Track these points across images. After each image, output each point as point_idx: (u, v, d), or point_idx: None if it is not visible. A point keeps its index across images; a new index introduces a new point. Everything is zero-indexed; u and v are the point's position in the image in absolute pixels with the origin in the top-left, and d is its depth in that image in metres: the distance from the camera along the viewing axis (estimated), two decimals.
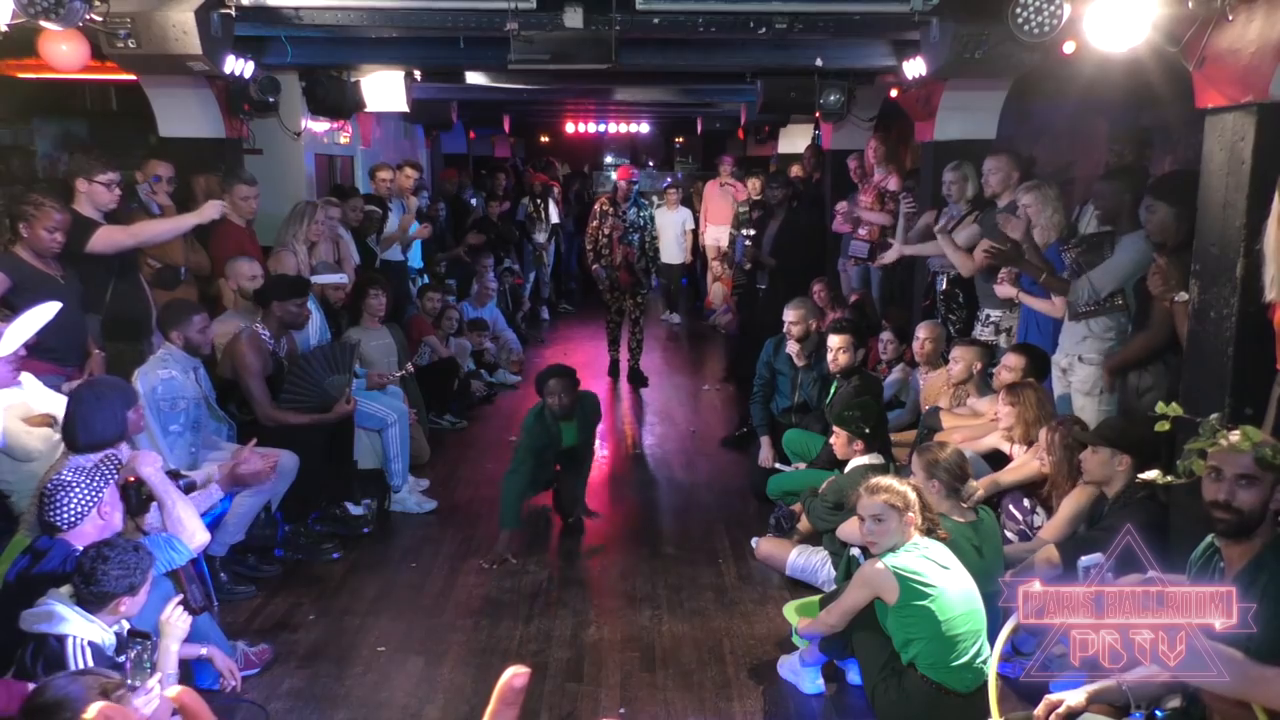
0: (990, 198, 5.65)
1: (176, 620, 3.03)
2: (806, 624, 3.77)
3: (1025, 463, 4.38)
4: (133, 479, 3.44)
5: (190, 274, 5.54)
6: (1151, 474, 2.88)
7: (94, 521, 3.16)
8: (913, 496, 3.46)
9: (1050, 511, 4.17)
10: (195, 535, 3.47)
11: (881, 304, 7.58)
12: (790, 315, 5.85)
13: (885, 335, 6.49)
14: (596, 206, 8.55)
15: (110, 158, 4.97)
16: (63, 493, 3.12)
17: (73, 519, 3.12)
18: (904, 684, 3.37)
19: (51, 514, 3.12)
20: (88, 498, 3.15)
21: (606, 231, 8.29)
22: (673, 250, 11.08)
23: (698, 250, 11.82)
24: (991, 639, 3.49)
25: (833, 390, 5.43)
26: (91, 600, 2.86)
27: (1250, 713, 2.37)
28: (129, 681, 2.72)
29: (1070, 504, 4.04)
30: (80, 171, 4.78)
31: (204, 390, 4.72)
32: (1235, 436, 2.62)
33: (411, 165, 8.36)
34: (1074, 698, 2.65)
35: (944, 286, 6.11)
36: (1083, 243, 4.80)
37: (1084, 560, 2.60)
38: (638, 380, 8.60)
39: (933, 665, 3.33)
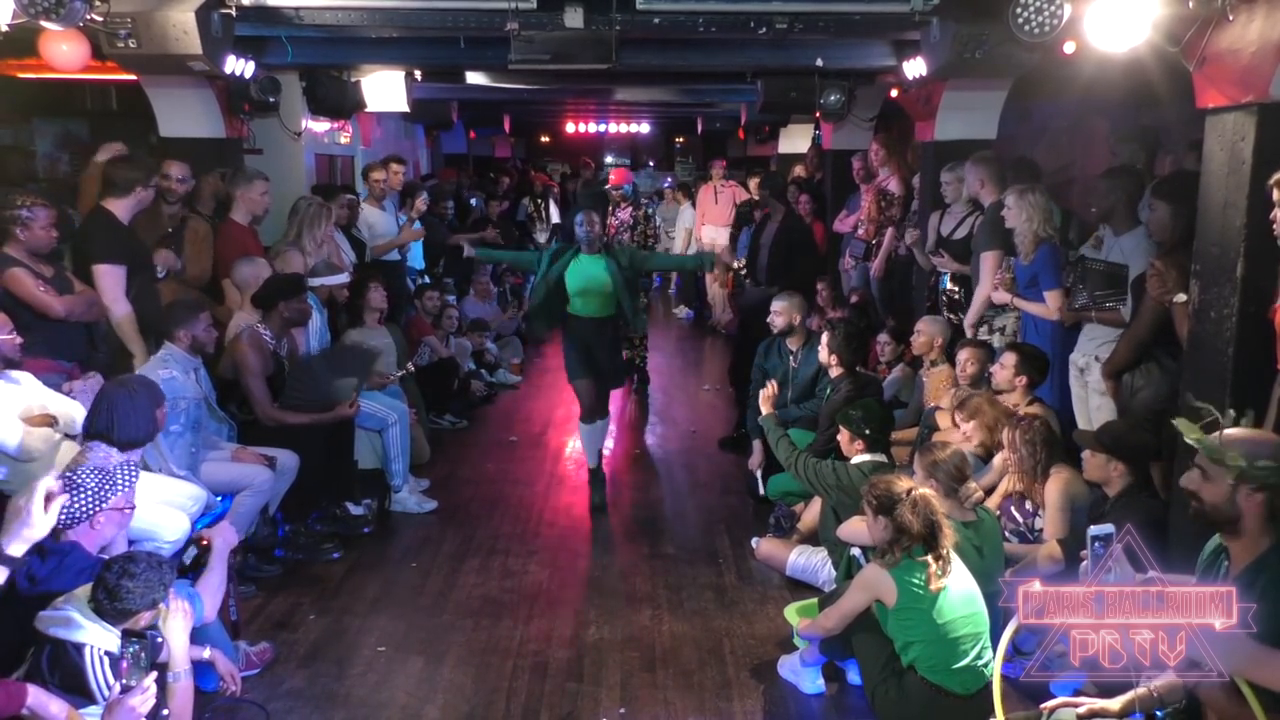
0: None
1: (180, 618, 3.01)
2: (806, 625, 3.77)
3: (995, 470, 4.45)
4: (205, 542, 3.59)
5: (170, 274, 5.47)
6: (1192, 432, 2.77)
7: (84, 530, 3.15)
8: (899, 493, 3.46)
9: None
10: (209, 611, 3.48)
11: (882, 305, 7.59)
12: (775, 306, 5.90)
13: (883, 336, 6.49)
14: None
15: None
16: (69, 492, 3.11)
17: (66, 521, 3.11)
18: (904, 685, 3.37)
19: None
20: (86, 506, 3.13)
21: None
22: (677, 246, 11.30)
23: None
24: (993, 639, 3.49)
25: (828, 391, 5.43)
26: (114, 615, 2.84)
27: (1248, 711, 2.37)
28: (124, 681, 2.72)
29: (1054, 495, 4.06)
30: (140, 180, 4.89)
31: (204, 390, 4.72)
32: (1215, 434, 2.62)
33: (396, 161, 8.22)
34: (1111, 704, 2.66)
35: (946, 286, 6.12)
36: (1090, 278, 4.75)
37: (1094, 529, 2.60)
38: (641, 380, 8.51)
39: (933, 668, 3.33)
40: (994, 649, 3.50)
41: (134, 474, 3.31)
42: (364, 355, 5.44)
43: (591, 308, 5.64)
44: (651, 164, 17.91)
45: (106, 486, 3.17)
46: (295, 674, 3.90)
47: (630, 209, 8.39)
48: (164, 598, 2.94)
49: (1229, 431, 2.61)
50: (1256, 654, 2.35)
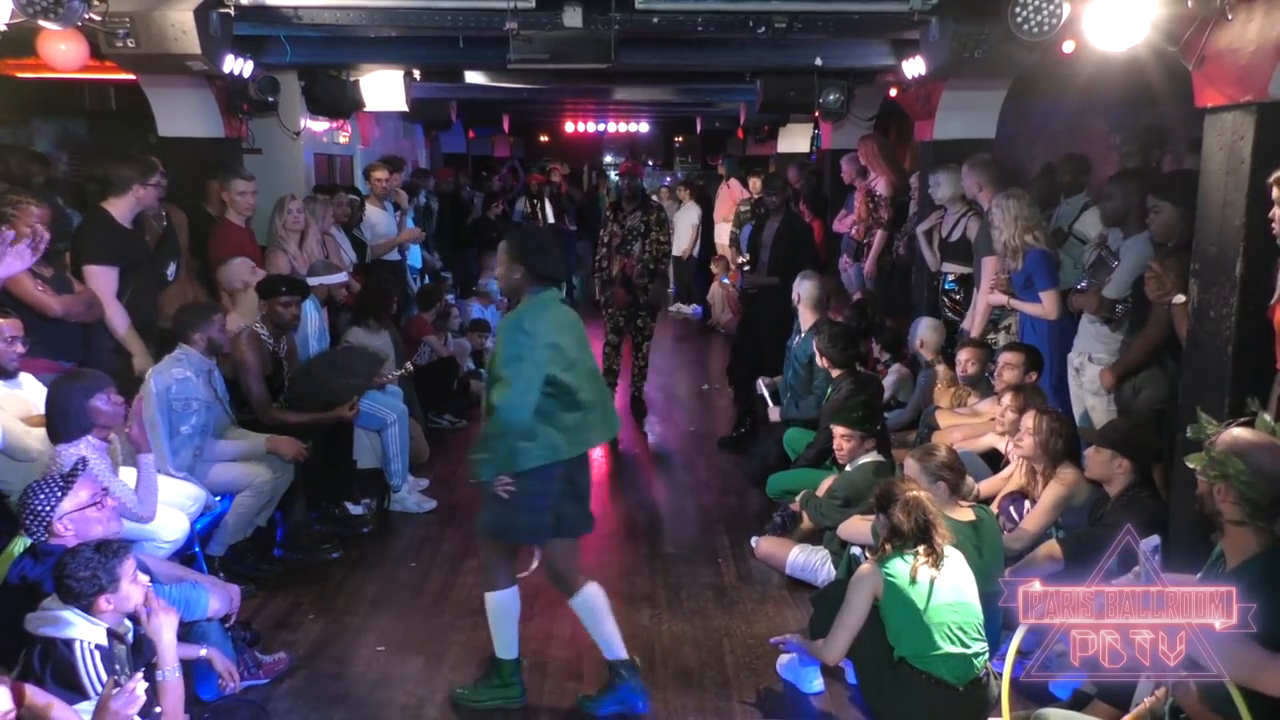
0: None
1: (162, 617, 2.99)
2: (816, 651, 3.73)
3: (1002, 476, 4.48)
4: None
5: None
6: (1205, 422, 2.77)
7: (64, 532, 3.15)
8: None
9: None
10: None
11: (881, 305, 7.58)
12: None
13: (875, 344, 6.50)
14: (607, 213, 7.87)
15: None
16: (28, 502, 3.14)
17: (39, 537, 3.14)
18: (898, 676, 3.38)
19: (24, 521, 3.17)
20: (40, 519, 3.13)
21: (605, 240, 7.32)
22: (682, 243, 11.56)
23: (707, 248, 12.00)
24: (991, 637, 3.49)
25: (829, 391, 5.42)
26: (74, 602, 2.86)
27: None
28: (116, 677, 2.73)
29: (1052, 494, 4.08)
30: (135, 178, 4.85)
31: (218, 393, 4.71)
32: (1227, 429, 2.63)
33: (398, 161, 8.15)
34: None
35: (951, 288, 6.10)
36: (1095, 265, 4.76)
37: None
38: (638, 410, 7.54)
39: (918, 654, 3.35)
40: (992, 648, 3.51)
41: (77, 472, 3.26)
42: (369, 359, 5.43)
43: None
44: (651, 163, 17.90)
45: (52, 496, 3.15)
46: (295, 674, 3.89)
47: (639, 213, 7.20)
48: (111, 579, 2.88)
49: (1235, 429, 2.61)
50: (1256, 659, 2.34)
